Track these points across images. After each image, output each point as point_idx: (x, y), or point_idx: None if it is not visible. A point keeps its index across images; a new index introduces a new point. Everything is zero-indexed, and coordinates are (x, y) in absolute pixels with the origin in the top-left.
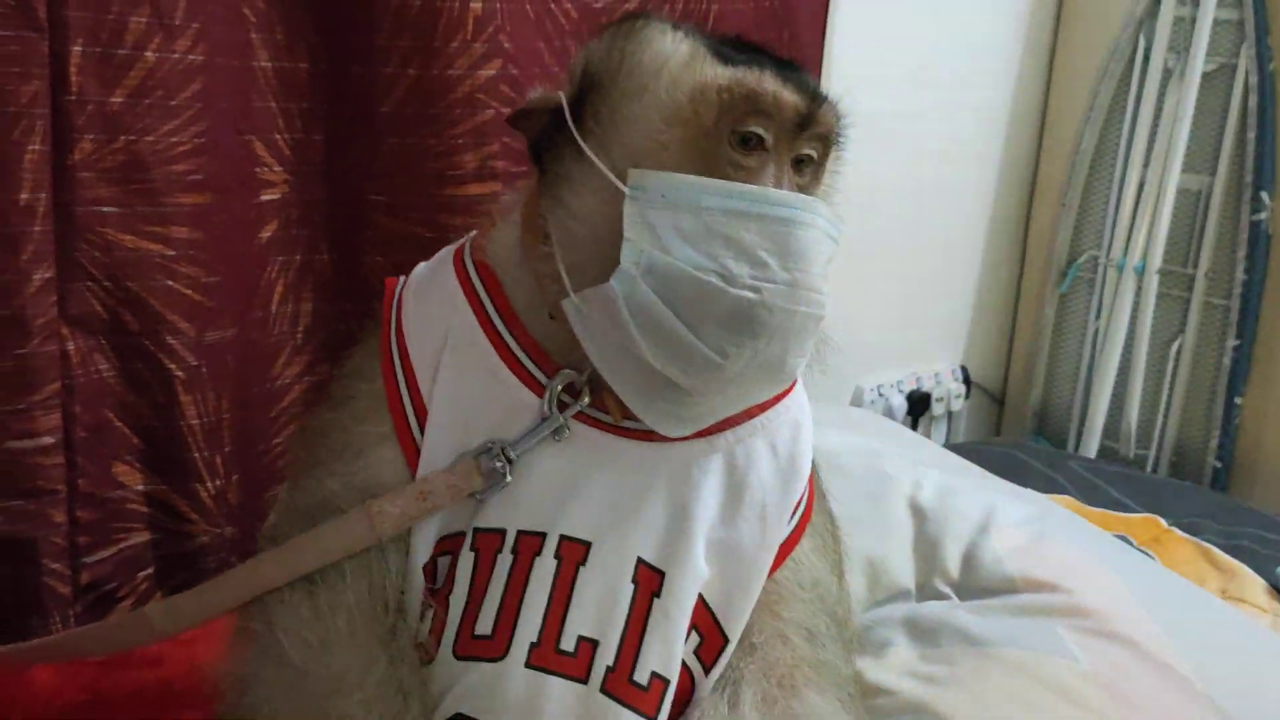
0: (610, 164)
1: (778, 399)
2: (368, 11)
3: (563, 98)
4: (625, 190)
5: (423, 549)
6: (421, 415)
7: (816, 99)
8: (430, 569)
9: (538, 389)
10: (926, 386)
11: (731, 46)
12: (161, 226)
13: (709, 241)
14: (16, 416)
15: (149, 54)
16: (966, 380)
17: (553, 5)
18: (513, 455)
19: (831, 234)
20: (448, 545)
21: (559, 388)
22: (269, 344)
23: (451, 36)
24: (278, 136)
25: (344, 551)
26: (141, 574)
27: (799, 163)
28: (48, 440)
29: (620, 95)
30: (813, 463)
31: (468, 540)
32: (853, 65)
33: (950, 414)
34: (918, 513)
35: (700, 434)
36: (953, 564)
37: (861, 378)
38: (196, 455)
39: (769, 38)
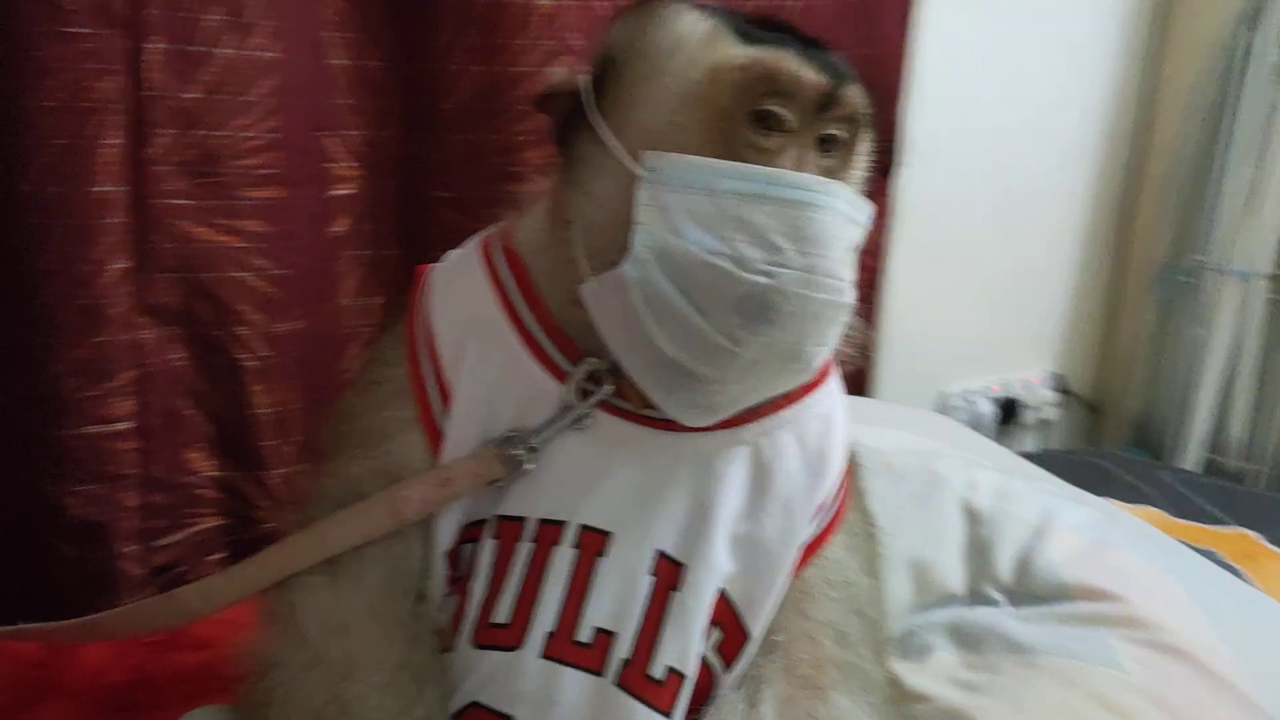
0: (626, 146)
1: (807, 391)
2: (432, 9)
3: (582, 80)
4: (639, 172)
5: (446, 536)
6: (446, 400)
7: (841, 78)
8: (455, 556)
9: (561, 376)
10: (1017, 393)
11: (757, 25)
12: (232, 219)
13: (722, 225)
14: (93, 402)
15: (223, 50)
16: (1061, 388)
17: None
18: (535, 444)
19: (855, 218)
20: (472, 532)
21: (581, 375)
22: (339, 336)
23: (516, 33)
24: (350, 133)
25: (366, 536)
26: (211, 558)
27: (826, 144)
28: (122, 426)
29: (636, 76)
30: (850, 458)
31: (490, 527)
32: (941, 58)
33: (1042, 423)
34: (971, 515)
35: (725, 425)
36: (1004, 568)
37: (946, 383)
38: (266, 443)
39: (851, 33)
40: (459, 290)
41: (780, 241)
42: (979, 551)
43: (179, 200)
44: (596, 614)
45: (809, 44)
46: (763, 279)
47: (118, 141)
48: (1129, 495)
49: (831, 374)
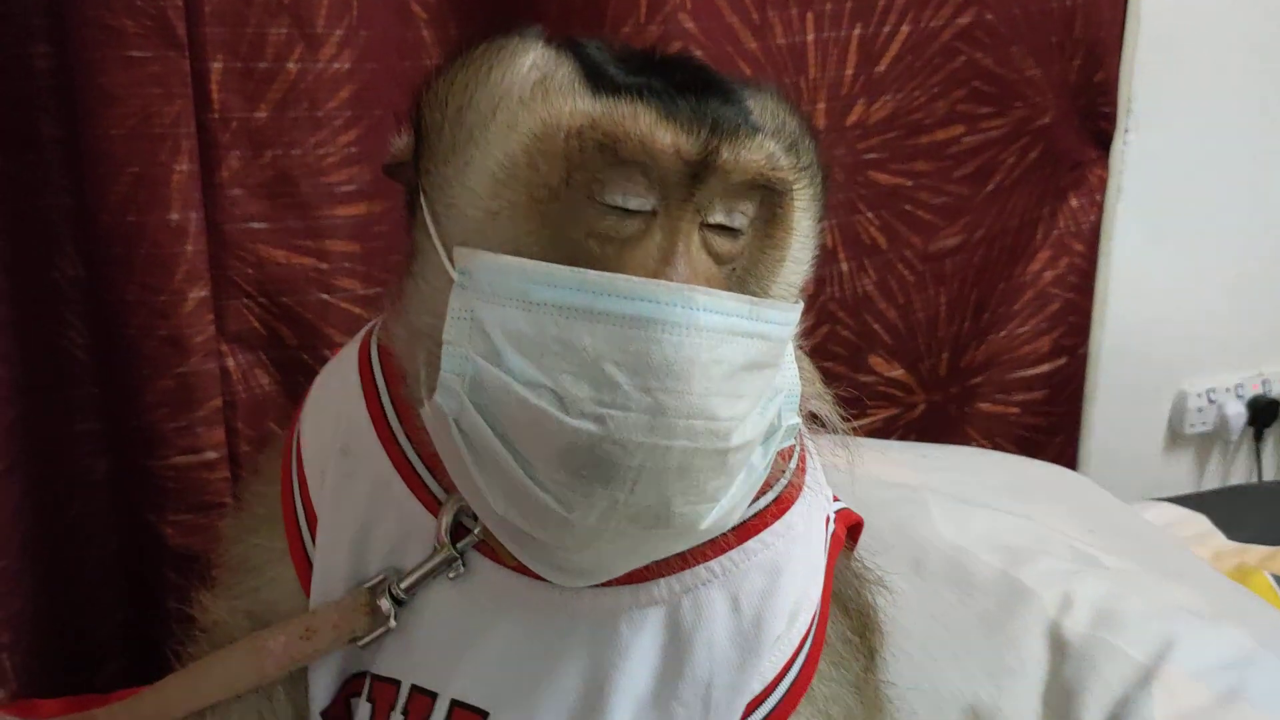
0: (444, 238)
1: (750, 532)
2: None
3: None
4: (452, 274)
5: (322, 692)
6: (314, 527)
7: (719, 135)
8: (343, 711)
9: (434, 505)
10: (1277, 391)
11: (629, 63)
12: (314, 240)
13: (542, 350)
14: (180, 433)
15: (290, 65)
16: None
17: None
18: (401, 595)
19: (745, 329)
20: (357, 685)
21: (453, 510)
22: None
23: (623, 20)
24: None
25: (229, 690)
26: None
27: (729, 218)
28: (211, 455)
29: (448, 148)
30: (835, 594)
31: (366, 688)
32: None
33: None
34: (1057, 645)
35: (630, 579)
36: None
37: (1186, 380)
38: None
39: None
40: (331, 396)
41: (615, 374)
42: (1061, 699)
43: (255, 224)
44: None
45: (697, 87)
46: (590, 425)
47: (187, 166)
48: None
49: (799, 502)
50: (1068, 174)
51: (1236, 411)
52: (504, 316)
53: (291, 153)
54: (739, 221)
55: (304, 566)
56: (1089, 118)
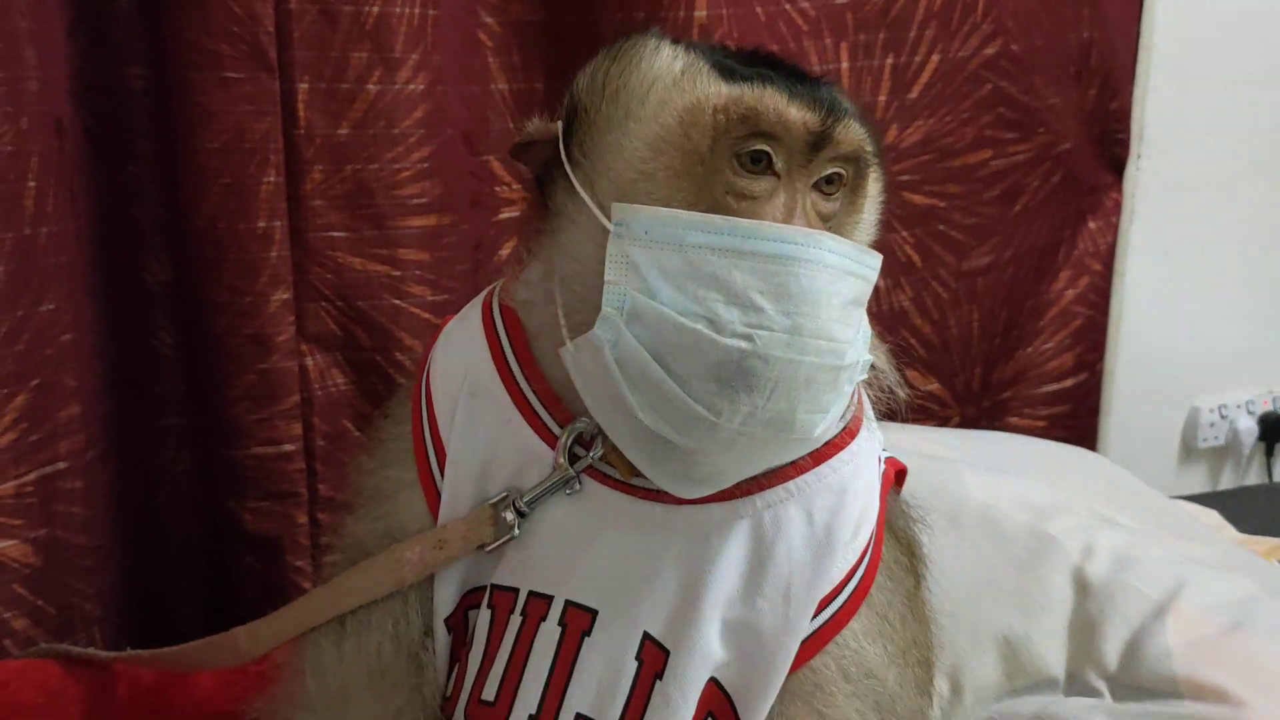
0: (600, 198)
1: (821, 458)
2: (593, 28)
3: (559, 127)
4: (609, 226)
5: (446, 602)
6: (442, 460)
7: (834, 114)
8: (460, 621)
9: (550, 439)
10: None
11: (742, 59)
12: (387, 249)
13: (695, 283)
14: (260, 425)
15: (370, 87)
16: None
17: (786, 5)
18: (523, 507)
19: (853, 270)
20: (474, 598)
21: (569, 439)
22: None
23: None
24: None
25: (369, 594)
26: None
27: (829, 185)
28: (289, 447)
29: (605, 122)
30: (887, 523)
31: (486, 596)
32: (1182, 32)
33: None
34: (1080, 586)
35: (721, 496)
36: (1111, 653)
37: (1199, 396)
38: None
39: (1070, 14)
40: (457, 348)
41: (761, 301)
42: (1085, 630)
43: (334, 233)
44: (579, 700)
45: (799, 78)
46: (741, 343)
47: (275, 179)
48: None
49: (861, 433)
50: (1086, 197)
51: (1248, 427)
52: (659, 258)
53: (369, 167)
54: (836, 186)
55: (433, 495)
56: (1105, 144)
